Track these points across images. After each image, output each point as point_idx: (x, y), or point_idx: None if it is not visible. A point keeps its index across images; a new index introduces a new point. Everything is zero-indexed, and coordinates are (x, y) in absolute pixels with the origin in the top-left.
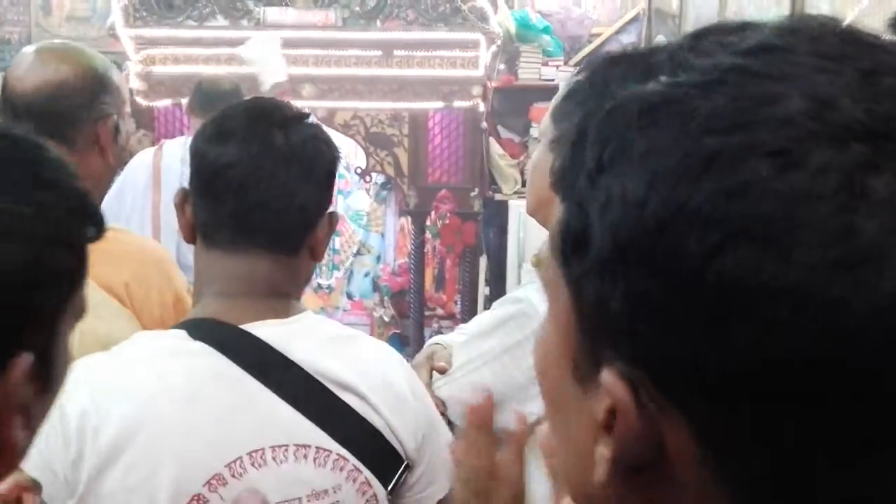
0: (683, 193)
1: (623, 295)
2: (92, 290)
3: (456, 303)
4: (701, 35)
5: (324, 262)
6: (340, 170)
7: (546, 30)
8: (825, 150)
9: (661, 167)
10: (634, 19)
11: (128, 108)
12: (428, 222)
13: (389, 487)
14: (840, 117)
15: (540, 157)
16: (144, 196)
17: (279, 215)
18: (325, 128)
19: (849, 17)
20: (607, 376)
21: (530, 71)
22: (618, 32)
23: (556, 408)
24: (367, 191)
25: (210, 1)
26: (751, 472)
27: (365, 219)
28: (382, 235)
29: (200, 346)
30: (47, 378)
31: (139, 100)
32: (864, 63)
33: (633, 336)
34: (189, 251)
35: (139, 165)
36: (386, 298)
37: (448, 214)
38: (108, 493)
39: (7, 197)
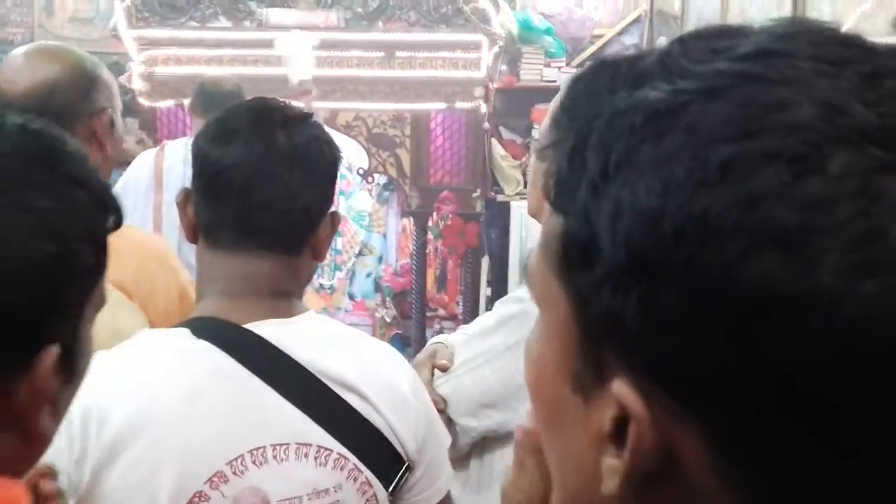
0: (701, 202)
1: (637, 305)
2: None
3: (458, 304)
4: (689, 40)
5: (326, 262)
6: (342, 170)
7: (548, 31)
8: (841, 154)
9: (673, 176)
10: (636, 21)
11: (119, 104)
12: (430, 223)
13: (391, 488)
14: (852, 121)
15: None
16: (146, 196)
17: (282, 215)
18: (327, 128)
19: (851, 18)
20: (620, 387)
21: (532, 72)
22: (620, 34)
23: (552, 421)
24: (370, 191)
25: (213, 2)
26: (764, 477)
27: (367, 219)
28: (384, 236)
29: (204, 345)
30: (72, 368)
31: (142, 100)
32: (865, 66)
33: (647, 346)
34: (190, 251)
35: (141, 166)
36: (388, 299)
37: (450, 215)
38: (110, 489)
39: (34, 194)
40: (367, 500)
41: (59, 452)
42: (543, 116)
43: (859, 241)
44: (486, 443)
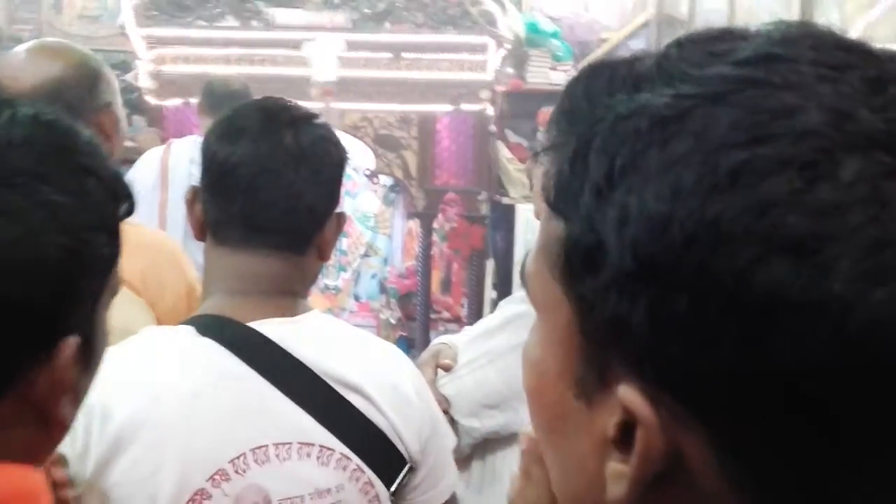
0: (711, 208)
1: (645, 310)
2: None
3: (462, 306)
4: (686, 43)
5: (331, 263)
6: (348, 171)
7: (555, 34)
8: (852, 161)
9: (682, 181)
10: (644, 25)
11: (120, 99)
12: (436, 225)
13: (392, 489)
14: (860, 127)
15: None
16: (152, 194)
17: (287, 215)
18: (333, 128)
19: (859, 24)
20: (627, 392)
21: (539, 75)
22: (627, 38)
23: (552, 427)
24: (375, 193)
25: (220, 2)
26: (770, 479)
27: (372, 220)
28: (390, 237)
29: (208, 343)
30: (90, 356)
31: (149, 99)
32: (868, 71)
33: (654, 351)
34: (196, 249)
35: (147, 164)
36: (393, 301)
37: (455, 218)
38: (112, 484)
39: (47, 187)
40: (370, 501)
41: (62, 447)
42: None
43: (870, 248)
44: (489, 444)
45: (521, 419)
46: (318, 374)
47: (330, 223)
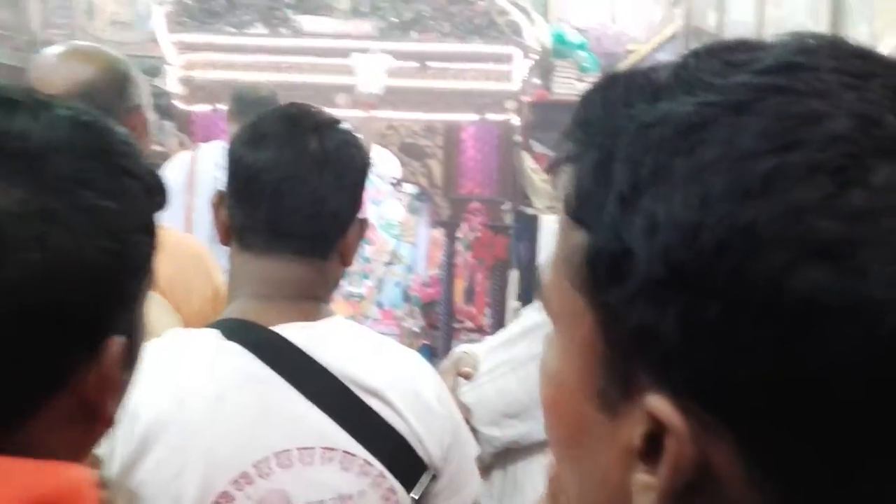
0: (743, 214)
1: (676, 319)
2: None
3: (485, 316)
4: (703, 53)
5: (355, 270)
6: (373, 179)
7: (582, 46)
8: (883, 166)
9: (712, 188)
10: (671, 37)
11: (150, 101)
12: (460, 234)
13: (415, 495)
14: (887, 133)
15: None
16: (178, 198)
17: (311, 220)
18: (357, 135)
19: (889, 39)
20: (657, 402)
21: (565, 86)
22: (654, 50)
23: (571, 439)
24: (400, 201)
25: (250, 9)
26: (802, 486)
27: (397, 229)
28: (414, 246)
29: (233, 347)
30: (132, 352)
31: (178, 104)
32: (889, 80)
33: (685, 359)
34: (221, 253)
35: (175, 167)
36: (416, 309)
37: (479, 227)
38: (137, 486)
39: (92, 192)
40: None
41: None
42: None
43: None
44: (510, 453)
45: (542, 429)
46: (341, 378)
47: (353, 228)
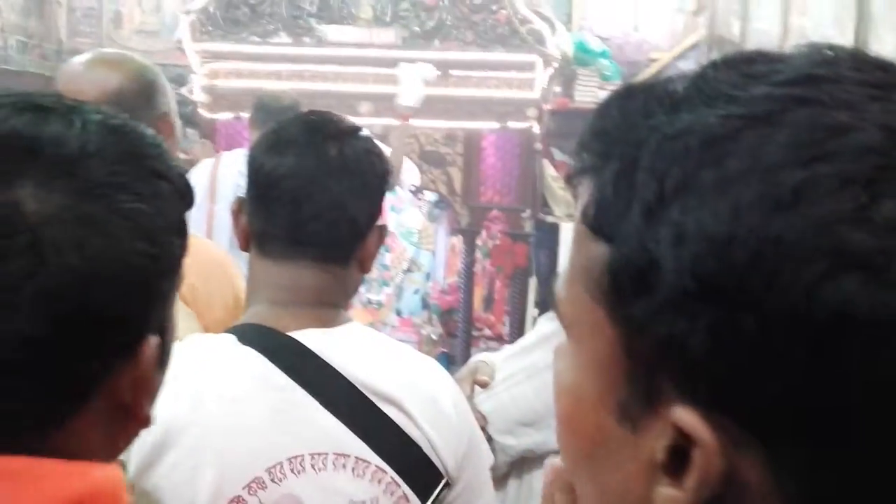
0: (774, 225)
1: (706, 331)
2: None
3: (504, 324)
4: (721, 65)
5: (374, 277)
6: (393, 186)
7: (604, 54)
8: None
9: (741, 199)
10: (694, 46)
11: (176, 107)
12: (479, 242)
13: (427, 503)
14: None
15: None
16: (201, 204)
17: (330, 227)
18: (378, 142)
19: None
20: (684, 415)
21: (587, 94)
22: (676, 58)
23: (589, 454)
24: (420, 208)
25: (274, 18)
26: (831, 499)
27: (416, 236)
28: (433, 253)
29: (248, 352)
30: (164, 352)
31: (202, 112)
32: None
33: (713, 371)
34: (240, 259)
35: (198, 174)
36: (434, 317)
37: (499, 235)
38: (151, 489)
39: (127, 195)
40: None
41: None
42: None
43: None
44: (525, 463)
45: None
46: (356, 385)
47: (372, 236)
